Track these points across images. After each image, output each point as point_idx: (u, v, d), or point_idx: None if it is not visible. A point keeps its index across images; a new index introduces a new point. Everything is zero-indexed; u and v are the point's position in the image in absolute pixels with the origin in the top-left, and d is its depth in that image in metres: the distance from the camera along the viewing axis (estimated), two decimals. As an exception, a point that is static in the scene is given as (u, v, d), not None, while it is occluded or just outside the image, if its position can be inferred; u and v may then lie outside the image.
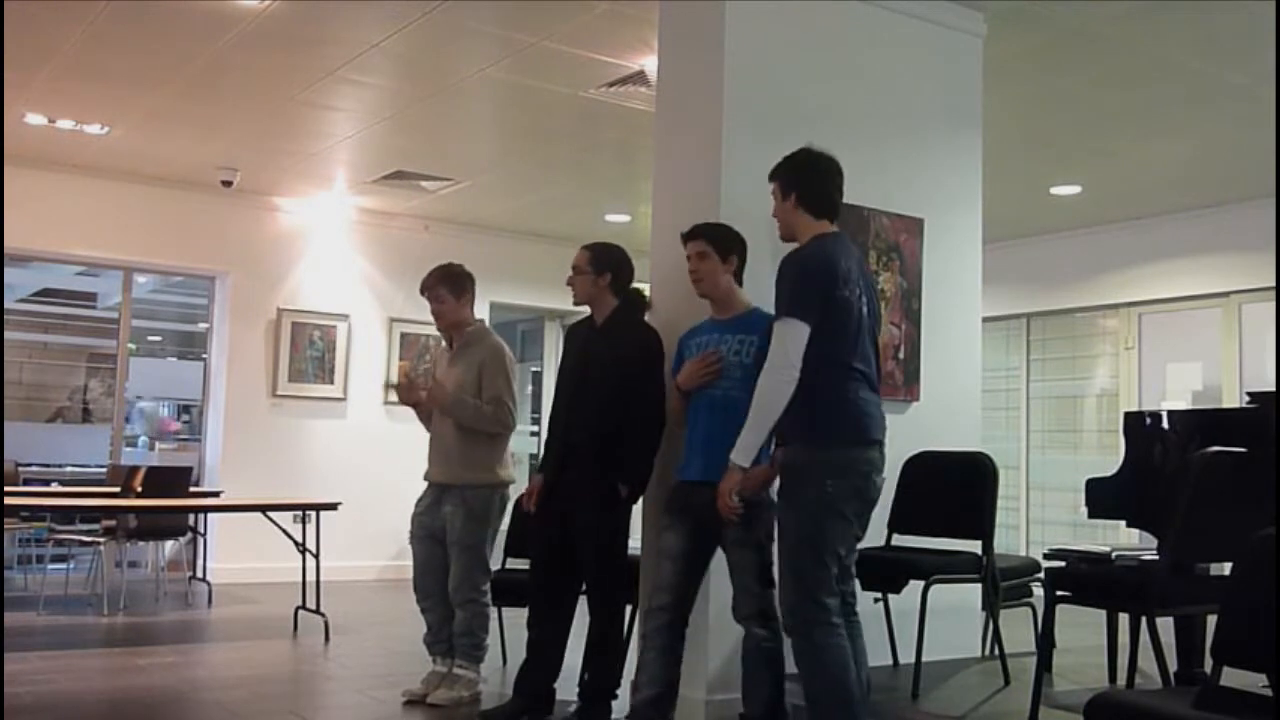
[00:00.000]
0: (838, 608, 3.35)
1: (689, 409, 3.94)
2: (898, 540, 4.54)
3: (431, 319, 5.03)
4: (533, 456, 10.31)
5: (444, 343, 5.08)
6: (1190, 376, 8.55)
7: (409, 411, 5.04)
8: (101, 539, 7.34)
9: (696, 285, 3.96)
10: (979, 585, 4.49)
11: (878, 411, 3.43)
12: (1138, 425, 4.65)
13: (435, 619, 4.77)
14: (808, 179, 3.51)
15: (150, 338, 14.12)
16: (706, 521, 3.75)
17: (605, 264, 4.35)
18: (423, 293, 4.96)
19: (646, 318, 4.39)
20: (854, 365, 3.38)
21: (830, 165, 3.55)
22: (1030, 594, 4.91)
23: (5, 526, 7.19)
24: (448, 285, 4.89)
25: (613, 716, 4.21)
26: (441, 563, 4.73)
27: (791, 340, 3.29)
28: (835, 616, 3.33)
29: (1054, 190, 8.00)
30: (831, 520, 3.34)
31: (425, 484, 4.88)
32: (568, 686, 4.39)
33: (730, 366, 3.81)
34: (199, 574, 8.26)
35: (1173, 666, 3.78)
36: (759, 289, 4.24)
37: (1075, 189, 7.97)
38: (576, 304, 4.43)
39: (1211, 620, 2.80)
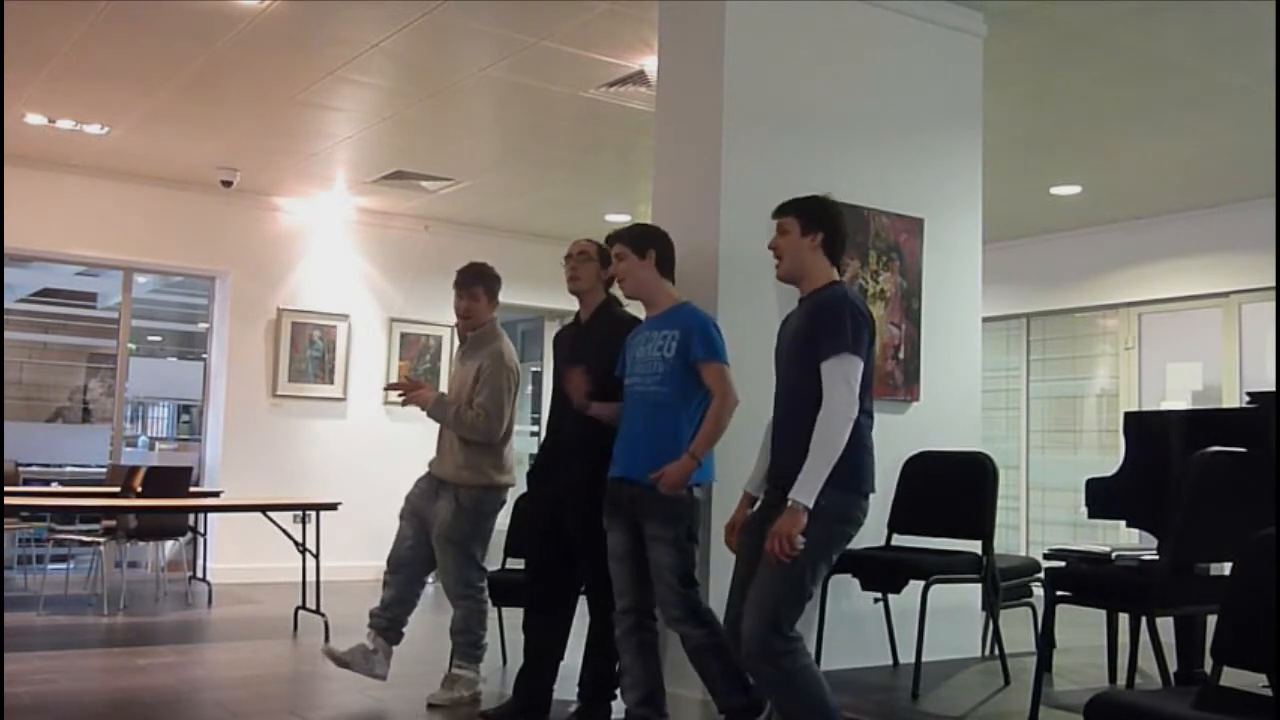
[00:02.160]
0: (796, 636, 3.31)
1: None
2: (898, 540, 4.54)
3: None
4: (532, 456, 10.31)
5: (458, 339, 5.05)
6: (1190, 376, 8.54)
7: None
8: (101, 539, 7.33)
9: (621, 286, 4.05)
10: (979, 585, 4.49)
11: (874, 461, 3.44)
12: (1137, 425, 4.65)
13: (390, 595, 4.78)
14: (834, 224, 3.51)
15: (150, 338, 14.14)
16: (635, 517, 3.80)
17: (608, 259, 4.38)
18: (458, 286, 4.87)
19: None
20: (870, 410, 3.40)
21: (845, 219, 3.59)
22: (1030, 594, 4.91)
23: (5, 526, 7.19)
24: (485, 285, 4.87)
25: (612, 716, 4.21)
26: (419, 545, 4.75)
27: (855, 376, 3.28)
28: (799, 640, 3.29)
29: (1054, 190, 8.00)
30: (825, 563, 3.34)
31: (427, 469, 4.88)
32: (567, 686, 4.39)
33: (654, 362, 3.82)
34: (199, 574, 8.26)
35: (1173, 666, 3.77)
36: (757, 289, 4.25)
37: (1075, 189, 7.97)
38: (576, 290, 4.40)
39: (1211, 620, 2.80)
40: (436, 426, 4.87)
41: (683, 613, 3.72)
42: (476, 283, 4.85)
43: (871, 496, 3.41)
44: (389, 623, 4.77)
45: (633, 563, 3.86)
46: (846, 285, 3.55)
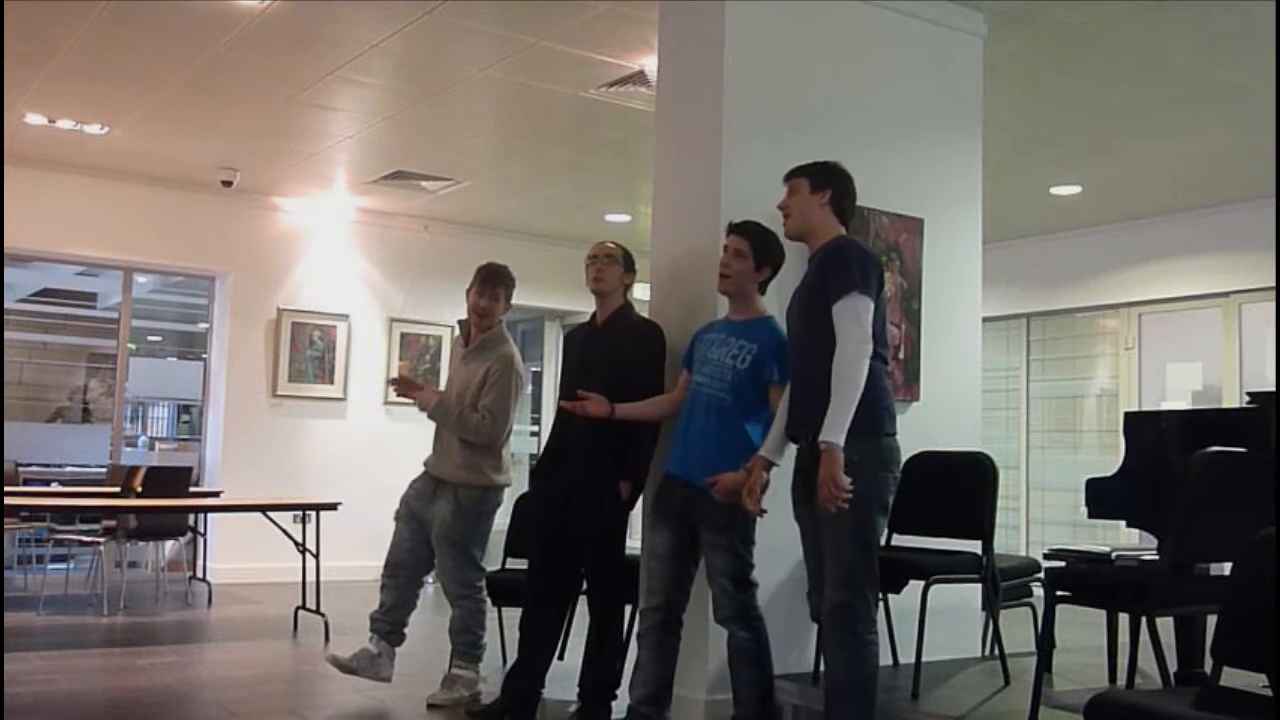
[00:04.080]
0: (876, 603, 3.39)
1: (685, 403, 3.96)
2: (898, 540, 4.54)
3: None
4: (532, 456, 10.31)
5: (460, 336, 4.98)
6: (1190, 376, 8.54)
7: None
8: (101, 539, 7.33)
9: (723, 281, 3.92)
10: (979, 585, 4.48)
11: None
12: (1137, 425, 4.64)
13: (390, 598, 4.77)
14: (842, 184, 3.61)
15: (150, 338, 14.14)
16: (687, 518, 3.79)
17: (630, 264, 4.45)
18: (482, 284, 4.81)
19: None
20: (884, 355, 3.45)
21: (853, 183, 3.66)
22: (1030, 594, 4.90)
23: (5, 526, 7.19)
24: (505, 288, 4.84)
25: (613, 716, 4.21)
26: (417, 547, 4.75)
27: (865, 314, 3.33)
28: (875, 612, 3.37)
29: (1054, 190, 8.00)
30: (879, 513, 3.40)
31: (423, 469, 4.86)
32: (568, 686, 4.39)
33: (725, 369, 3.80)
34: (199, 574, 8.27)
35: (1173, 666, 3.77)
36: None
37: (1075, 189, 7.97)
38: (599, 291, 4.39)
39: (1211, 620, 2.80)
40: (433, 426, 4.86)
41: (732, 613, 3.74)
42: (499, 284, 4.82)
43: None
44: (391, 626, 4.77)
45: (673, 563, 3.86)
46: (855, 237, 3.57)
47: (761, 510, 3.57)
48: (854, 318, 3.32)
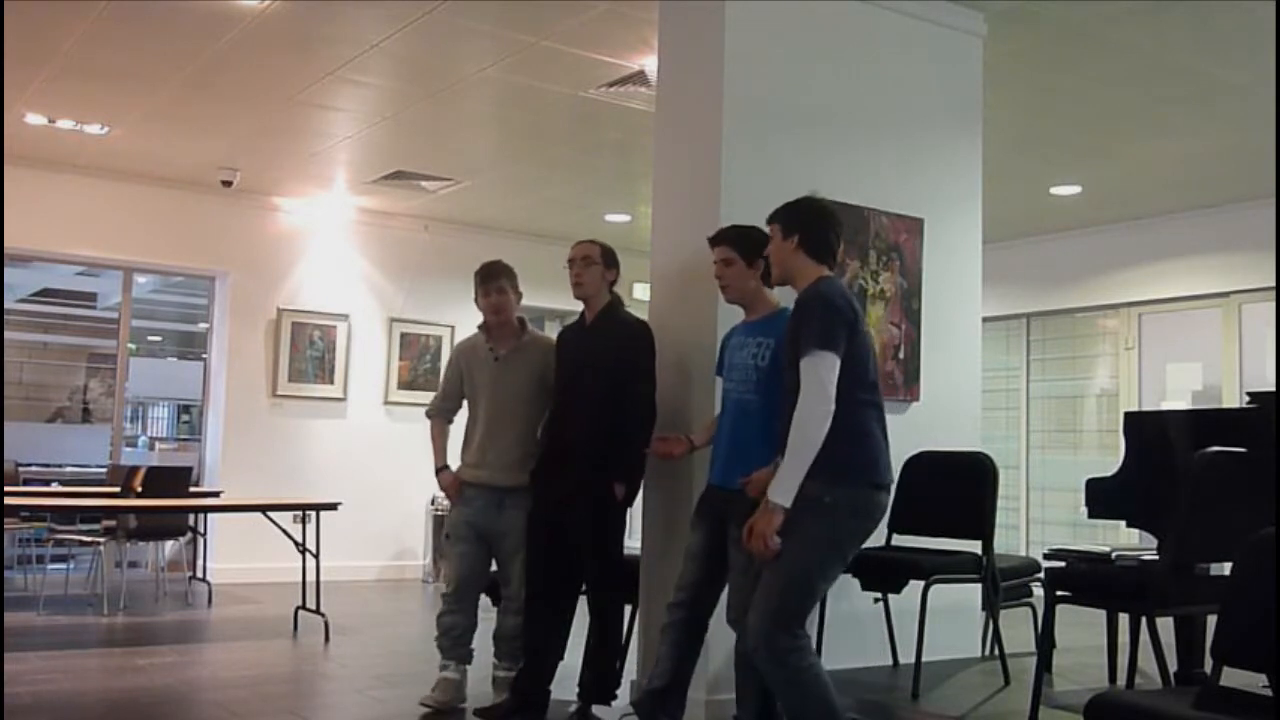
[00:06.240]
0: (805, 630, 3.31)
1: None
2: (898, 540, 4.54)
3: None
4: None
5: (484, 341, 4.74)
6: (1190, 376, 8.55)
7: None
8: (101, 539, 7.33)
9: (724, 292, 3.93)
10: (979, 585, 4.49)
11: (888, 451, 3.40)
12: (1137, 425, 4.65)
13: (465, 623, 4.61)
14: (811, 223, 3.52)
15: (150, 338, 14.15)
16: (722, 519, 3.78)
17: (612, 260, 4.39)
18: (485, 283, 4.65)
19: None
20: (875, 400, 3.37)
21: (833, 214, 3.57)
22: (1030, 594, 4.91)
23: (5, 526, 7.19)
24: (506, 279, 4.67)
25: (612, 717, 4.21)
26: (483, 566, 4.62)
27: (826, 373, 3.24)
28: (805, 638, 3.28)
29: (1054, 190, 8.00)
30: (834, 560, 3.33)
31: (471, 483, 4.64)
32: (567, 686, 4.39)
33: (748, 369, 3.80)
34: (199, 574, 8.26)
35: (1173, 666, 3.78)
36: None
37: (1075, 189, 7.97)
38: (582, 296, 4.37)
39: (1211, 620, 2.81)
40: (425, 429, 4.80)
41: (743, 614, 3.69)
42: (498, 276, 4.66)
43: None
44: (467, 649, 4.65)
45: (703, 563, 3.83)
46: (830, 280, 3.47)
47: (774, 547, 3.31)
48: (813, 377, 3.24)
